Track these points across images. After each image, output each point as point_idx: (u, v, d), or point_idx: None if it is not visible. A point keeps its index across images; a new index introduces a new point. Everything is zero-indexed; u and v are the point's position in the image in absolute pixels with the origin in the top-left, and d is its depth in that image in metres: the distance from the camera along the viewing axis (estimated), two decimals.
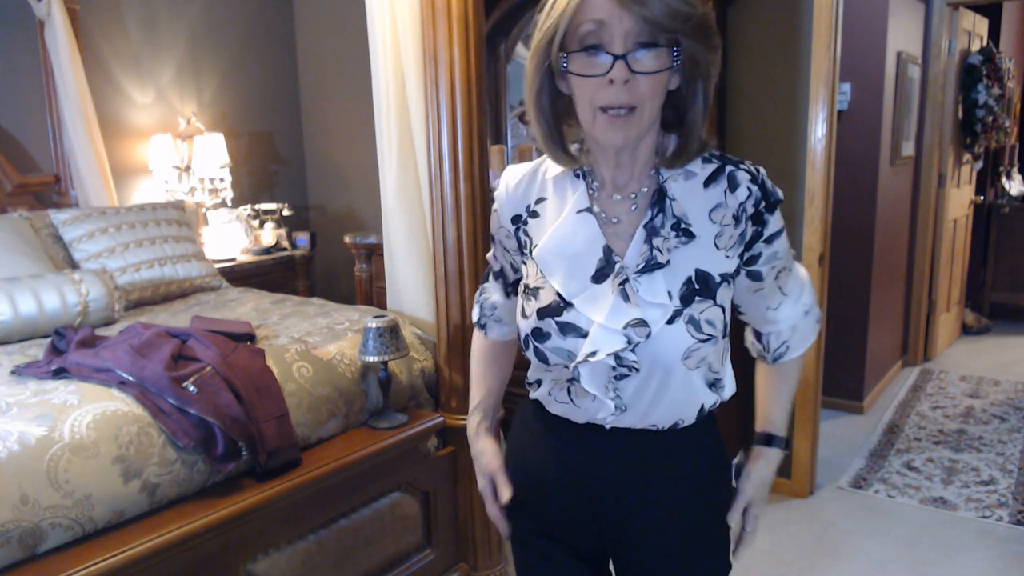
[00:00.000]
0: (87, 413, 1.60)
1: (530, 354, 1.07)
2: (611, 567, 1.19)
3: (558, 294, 1.02)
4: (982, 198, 5.22)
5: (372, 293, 3.50)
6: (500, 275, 1.23)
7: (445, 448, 2.22)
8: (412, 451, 2.10)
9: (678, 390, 1.02)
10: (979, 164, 5.12)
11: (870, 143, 3.74)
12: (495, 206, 1.17)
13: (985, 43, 4.78)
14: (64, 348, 1.96)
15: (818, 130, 2.71)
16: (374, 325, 2.02)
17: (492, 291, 1.27)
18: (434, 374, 2.31)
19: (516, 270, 1.19)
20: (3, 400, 1.66)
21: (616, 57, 0.90)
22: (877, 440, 3.48)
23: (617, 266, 1.00)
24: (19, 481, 1.44)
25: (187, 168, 3.69)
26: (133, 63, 3.59)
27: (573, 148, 1.06)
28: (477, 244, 2.12)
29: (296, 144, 4.39)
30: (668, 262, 0.99)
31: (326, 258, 4.34)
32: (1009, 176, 5.55)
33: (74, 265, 2.77)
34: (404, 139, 2.30)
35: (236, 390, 1.76)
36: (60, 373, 1.82)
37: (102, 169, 3.21)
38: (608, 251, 1.01)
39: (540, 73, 0.98)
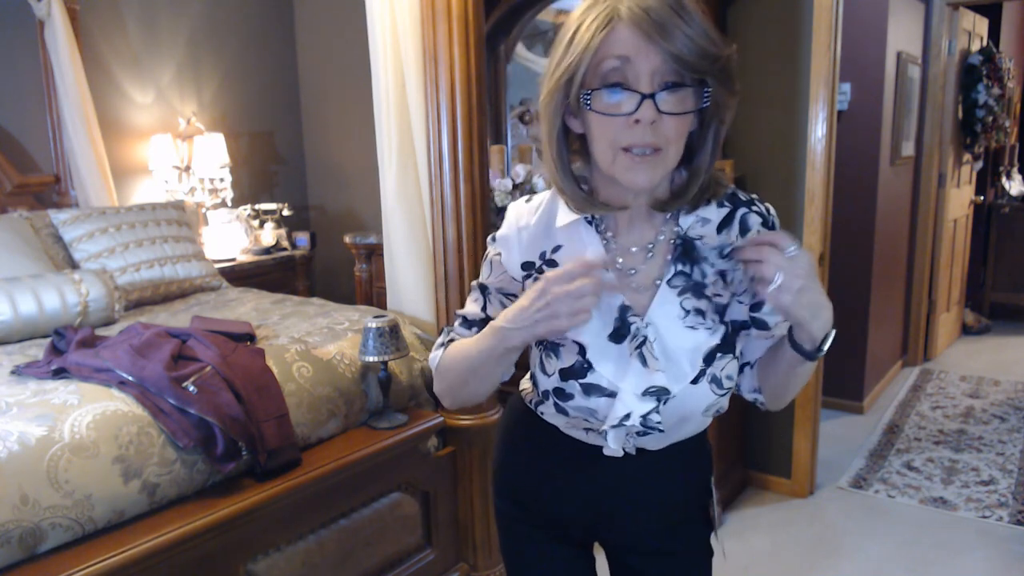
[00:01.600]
0: (87, 413, 1.60)
1: (548, 407, 1.05)
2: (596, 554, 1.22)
3: (579, 353, 0.98)
4: (982, 198, 5.22)
5: (372, 293, 3.50)
6: (480, 324, 1.10)
7: (445, 448, 2.22)
8: (412, 451, 2.10)
9: (690, 430, 1.07)
10: (979, 164, 5.12)
11: (870, 143, 3.74)
12: (495, 251, 1.08)
13: (985, 43, 4.78)
14: (64, 348, 1.96)
15: (818, 130, 2.71)
16: (374, 325, 2.02)
17: (467, 335, 1.12)
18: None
19: None
20: (3, 400, 1.66)
21: (644, 96, 0.86)
22: (877, 440, 3.48)
23: (633, 327, 0.97)
24: (19, 481, 1.44)
25: (187, 168, 3.69)
26: (133, 63, 3.59)
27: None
28: (477, 244, 2.12)
29: (296, 144, 4.38)
30: (695, 327, 0.98)
31: (326, 258, 4.34)
32: (1009, 176, 5.55)
33: (74, 265, 2.77)
34: (404, 139, 2.30)
35: (236, 390, 1.76)
36: (60, 373, 1.82)
37: (102, 169, 3.21)
38: (624, 310, 0.97)
39: (559, 114, 0.94)
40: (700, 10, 0.88)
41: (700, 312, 0.98)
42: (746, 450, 3.04)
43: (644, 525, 1.12)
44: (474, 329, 1.10)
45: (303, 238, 3.97)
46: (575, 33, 0.89)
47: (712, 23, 0.90)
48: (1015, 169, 5.63)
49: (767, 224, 0.99)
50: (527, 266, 1.04)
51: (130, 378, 1.72)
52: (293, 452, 1.83)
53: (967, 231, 5.09)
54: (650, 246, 1.00)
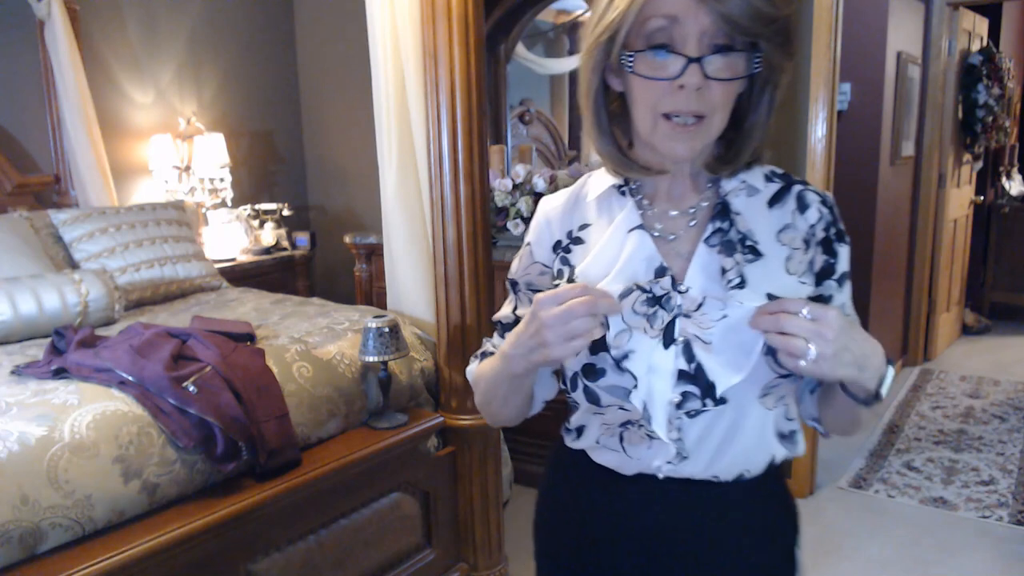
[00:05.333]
0: (87, 413, 1.60)
1: (578, 395, 0.93)
2: None
3: (608, 324, 0.87)
4: (982, 198, 5.22)
5: (372, 293, 3.50)
6: (512, 327, 1.01)
7: (445, 448, 2.22)
8: (412, 451, 2.10)
9: (750, 435, 0.90)
10: (979, 164, 5.12)
11: (870, 143, 3.74)
12: (528, 240, 1.01)
13: (985, 43, 4.78)
14: (64, 348, 1.96)
15: (818, 130, 2.71)
16: (374, 325, 2.02)
17: (500, 345, 1.03)
18: (434, 374, 2.31)
19: None
20: (3, 400, 1.66)
21: (690, 60, 0.79)
22: (877, 440, 3.48)
23: (669, 286, 0.88)
24: (19, 481, 1.44)
25: (187, 168, 3.69)
26: (133, 63, 3.59)
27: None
28: (477, 244, 2.12)
29: (296, 144, 4.38)
30: (743, 284, 0.86)
31: (326, 258, 4.34)
32: (1009, 176, 5.55)
33: (74, 265, 2.77)
34: (404, 139, 2.30)
35: (236, 390, 1.76)
36: (60, 373, 1.82)
37: (102, 169, 3.21)
38: (662, 271, 0.88)
39: (599, 72, 0.87)
40: None
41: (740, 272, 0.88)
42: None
43: None
44: (506, 335, 1.02)
45: (303, 238, 3.97)
46: None
47: None
48: (1015, 169, 5.63)
49: (826, 204, 0.91)
50: (556, 246, 0.98)
51: (130, 378, 1.72)
52: (293, 452, 1.83)
53: (967, 231, 5.09)
54: (692, 211, 0.92)
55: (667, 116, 0.83)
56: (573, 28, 4.10)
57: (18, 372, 1.88)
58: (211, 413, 1.67)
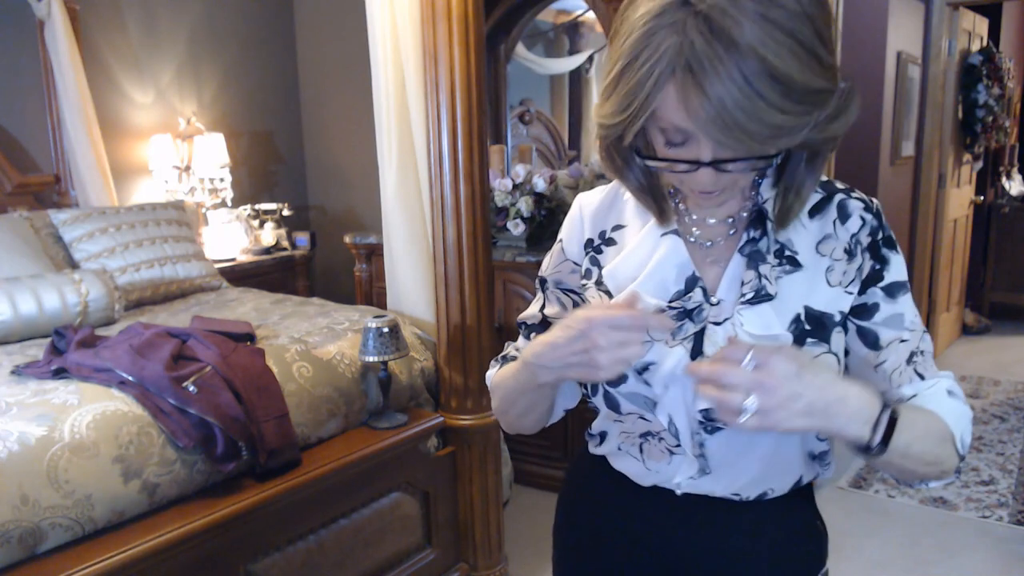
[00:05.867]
0: (87, 413, 1.60)
1: (599, 401, 0.90)
2: None
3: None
4: (982, 198, 5.22)
5: (372, 293, 3.50)
6: (539, 328, 1.00)
7: (445, 448, 2.22)
8: (412, 451, 2.10)
9: (775, 453, 0.86)
10: (979, 164, 5.12)
11: (870, 143, 3.74)
12: (560, 237, 0.98)
13: (985, 43, 4.78)
14: (64, 348, 1.96)
15: None
16: (374, 325, 2.02)
17: (524, 348, 0.99)
18: (434, 374, 2.31)
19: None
20: (3, 400, 1.66)
21: (702, 164, 0.74)
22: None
23: (699, 295, 0.84)
24: (19, 481, 1.44)
25: (187, 168, 3.69)
26: (133, 63, 3.59)
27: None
28: (477, 244, 2.12)
29: (296, 144, 4.38)
30: (776, 294, 0.82)
31: (326, 258, 4.34)
32: (1009, 176, 5.55)
33: (74, 265, 2.77)
34: (404, 139, 2.30)
35: (236, 390, 1.76)
36: (60, 373, 1.82)
37: (102, 169, 3.21)
38: (694, 280, 0.85)
39: (610, 140, 0.81)
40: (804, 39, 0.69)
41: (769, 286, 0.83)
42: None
43: None
44: (532, 336, 1.00)
45: (303, 238, 3.97)
46: (623, 72, 0.71)
47: (819, 53, 0.71)
48: (1015, 169, 5.63)
49: (870, 210, 0.86)
50: (588, 244, 0.94)
51: (130, 378, 1.72)
52: (293, 452, 1.83)
53: (967, 231, 5.09)
54: (731, 220, 0.87)
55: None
56: (573, 28, 4.10)
57: (18, 372, 1.88)
58: (211, 413, 1.67)
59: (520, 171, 3.17)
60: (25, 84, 3.22)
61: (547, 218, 3.13)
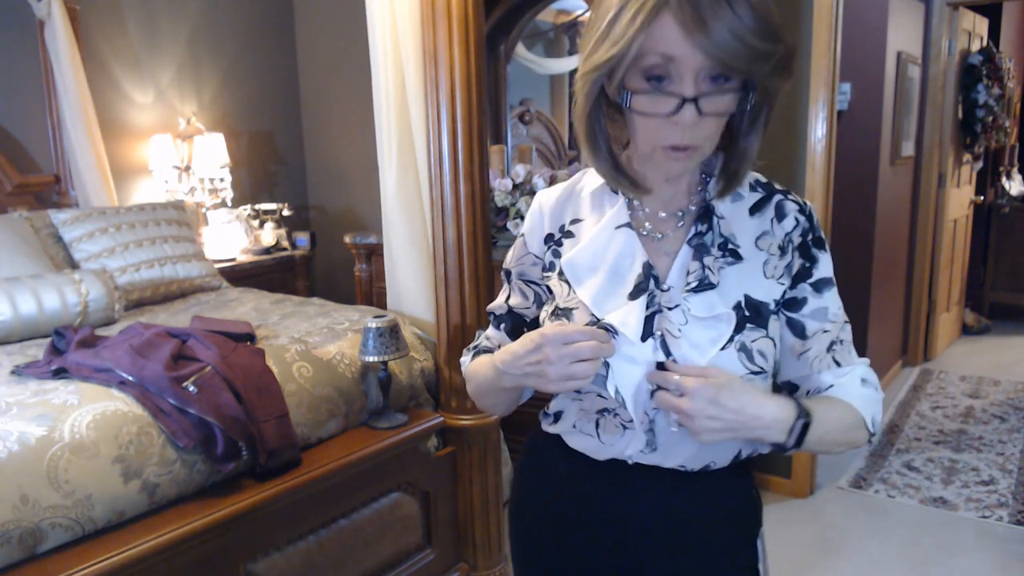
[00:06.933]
0: (87, 413, 1.60)
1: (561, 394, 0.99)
2: None
3: (594, 314, 0.92)
4: (982, 198, 5.22)
5: (372, 293, 3.50)
6: (506, 318, 1.10)
7: (445, 448, 2.22)
8: (412, 451, 2.10)
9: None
10: (979, 164, 5.12)
11: (870, 143, 3.74)
12: (522, 231, 1.06)
13: (985, 43, 4.78)
14: (64, 348, 1.96)
15: (818, 130, 2.71)
16: (374, 325, 2.02)
17: (493, 337, 1.12)
18: (434, 374, 2.31)
19: (531, 306, 1.07)
20: (3, 400, 1.66)
21: (685, 100, 0.81)
22: (877, 440, 3.48)
23: (651, 284, 0.92)
24: (19, 481, 1.44)
25: (187, 168, 3.69)
26: (133, 63, 3.59)
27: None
28: (477, 244, 2.12)
29: (296, 144, 4.38)
30: (718, 283, 0.91)
31: (326, 258, 4.34)
32: (1009, 176, 5.55)
33: (74, 265, 2.77)
34: (404, 139, 2.30)
35: (236, 390, 1.76)
36: (60, 373, 1.82)
37: (102, 169, 3.21)
38: (648, 267, 0.92)
39: (593, 96, 0.88)
40: None
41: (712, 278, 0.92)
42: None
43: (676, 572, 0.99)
44: (501, 326, 1.10)
45: (303, 238, 3.97)
46: (617, 16, 0.81)
47: (770, 6, 0.81)
48: (1015, 169, 5.63)
49: (803, 212, 0.95)
50: (548, 239, 1.02)
51: (130, 378, 1.72)
52: (293, 452, 1.83)
53: (967, 231, 5.09)
54: (680, 213, 0.96)
55: (663, 146, 0.86)
56: (573, 28, 4.10)
57: (18, 372, 1.88)
58: (211, 413, 1.67)
59: (520, 171, 3.17)
60: (25, 84, 3.22)
61: None
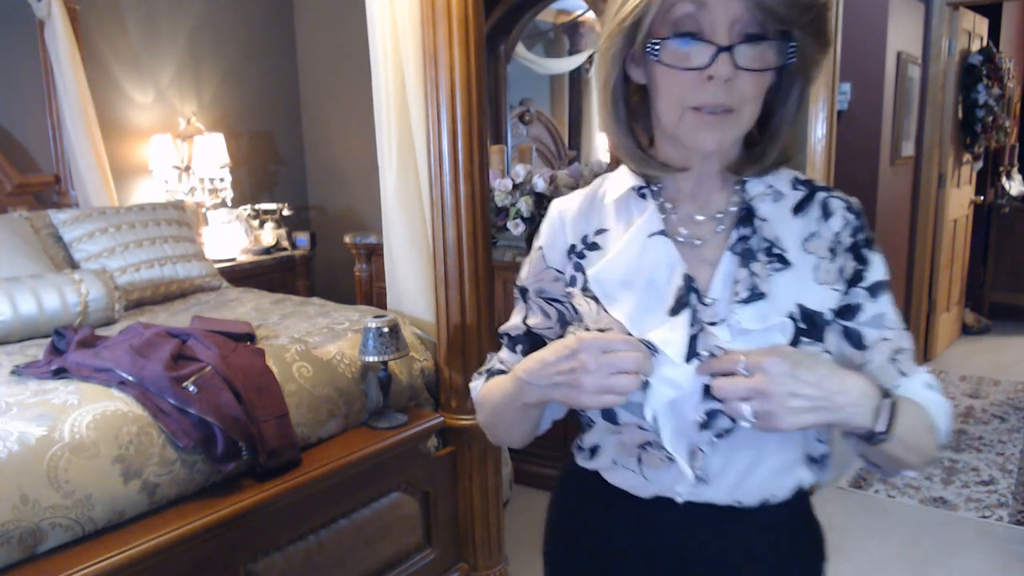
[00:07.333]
0: (87, 413, 1.60)
1: (594, 413, 0.88)
2: None
3: (631, 335, 0.81)
4: (982, 198, 5.22)
5: (372, 293, 3.50)
6: (524, 339, 0.98)
7: (445, 448, 2.22)
8: (412, 451, 2.10)
9: (776, 458, 0.85)
10: (979, 164, 5.12)
11: (870, 143, 3.74)
12: (538, 245, 0.96)
13: (985, 43, 4.78)
14: (64, 348, 1.96)
15: (818, 130, 2.71)
16: (374, 325, 2.02)
17: (508, 361, 1.00)
18: (434, 374, 2.31)
19: (554, 326, 0.96)
20: (3, 400, 1.66)
21: (720, 49, 0.74)
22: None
23: (693, 298, 0.82)
24: (19, 481, 1.44)
25: (187, 168, 3.69)
26: (133, 63, 3.59)
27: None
28: (477, 244, 2.12)
29: (296, 144, 4.38)
30: (768, 293, 0.81)
31: (326, 258, 4.34)
32: (1009, 176, 5.55)
33: (74, 265, 2.77)
34: (404, 139, 2.30)
35: (236, 390, 1.76)
36: (60, 373, 1.82)
37: (102, 169, 3.21)
38: (689, 279, 0.83)
39: (619, 61, 0.81)
40: None
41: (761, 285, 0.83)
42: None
43: None
44: (518, 348, 0.98)
45: (303, 238, 3.97)
46: None
47: None
48: (1015, 169, 5.63)
49: (852, 210, 0.86)
50: (570, 251, 0.92)
51: (130, 378, 1.72)
52: (293, 452, 1.83)
53: (967, 231, 5.09)
54: (719, 216, 0.86)
55: (695, 108, 0.78)
56: (573, 28, 4.10)
57: (18, 372, 1.88)
58: (211, 413, 1.67)
59: (520, 171, 3.17)
60: (25, 84, 3.22)
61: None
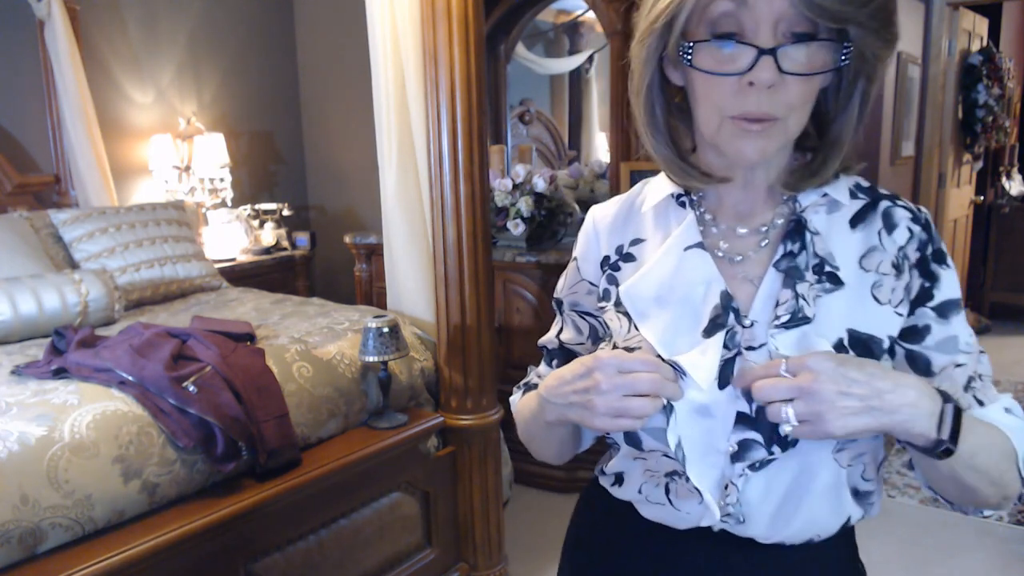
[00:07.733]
0: (87, 413, 1.60)
1: (617, 435, 0.81)
2: None
3: (660, 356, 0.75)
4: (982, 198, 5.22)
5: (372, 293, 3.50)
6: (558, 354, 0.94)
7: (445, 448, 2.22)
8: (412, 451, 2.10)
9: (823, 494, 0.76)
10: (979, 164, 5.12)
11: (870, 143, 3.74)
12: (575, 255, 0.90)
13: (985, 43, 4.79)
14: (64, 348, 1.96)
15: None
16: (374, 325, 2.02)
17: (545, 375, 0.93)
18: (434, 374, 2.31)
19: (586, 342, 0.91)
20: (3, 400, 1.66)
21: (762, 52, 0.66)
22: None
23: (731, 318, 0.74)
24: (19, 481, 1.44)
25: (187, 168, 3.70)
26: (133, 63, 3.59)
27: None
28: (477, 244, 2.12)
29: (296, 144, 4.39)
30: (813, 317, 0.73)
31: (326, 258, 4.34)
32: (1009, 176, 5.55)
33: (74, 265, 2.77)
34: (404, 139, 2.30)
35: (236, 390, 1.76)
36: (60, 373, 1.82)
37: (102, 169, 3.21)
38: (727, 297, 0.75)
39: (653, 63, 0.74)
40: None
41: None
42: None
43: None
44: (553, 363, 0.93)
45: (303, 238, 3.97)
46: None
47: None
48: (1015, 169, 5.63)
49: (919, 221, 0.77)
50: (604, 262, 0.86)
51: (130, 378, 1.72)
52: (293, 452, 1.83)
53: (967, 231, 5.09)
54: (764, 229, 0.78)
55: (735, 117, 0.70)
56: (573, 28, 4.10)
57: (18, 372, 1.88)
58: (211, 413, 1.67)
59: (520, 171, 3.17)
60: (25, 84, 3.22)
61: (547, 218, 3.13)
